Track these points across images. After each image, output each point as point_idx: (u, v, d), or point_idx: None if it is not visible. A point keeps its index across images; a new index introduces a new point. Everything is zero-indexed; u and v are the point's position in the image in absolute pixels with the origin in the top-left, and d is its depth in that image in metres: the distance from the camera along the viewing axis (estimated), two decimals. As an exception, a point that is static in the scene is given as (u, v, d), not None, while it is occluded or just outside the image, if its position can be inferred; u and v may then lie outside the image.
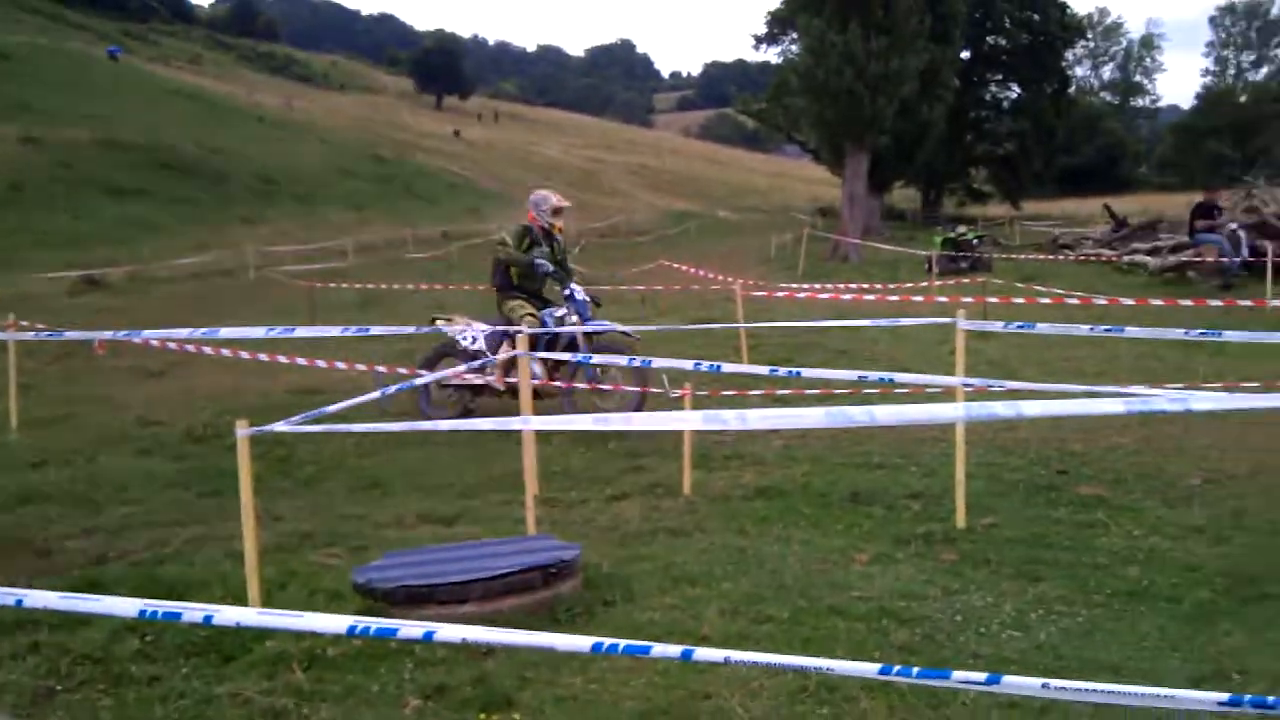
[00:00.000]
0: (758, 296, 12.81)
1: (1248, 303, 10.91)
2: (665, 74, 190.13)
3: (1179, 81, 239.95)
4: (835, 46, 25.70)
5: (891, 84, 26.23)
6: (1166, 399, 2.66)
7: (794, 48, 37.65)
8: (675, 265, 16.92)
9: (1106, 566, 4.96)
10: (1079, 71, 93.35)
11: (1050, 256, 23.44)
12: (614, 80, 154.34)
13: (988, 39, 47.00)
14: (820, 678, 3.66)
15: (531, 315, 8.55)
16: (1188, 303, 9.78)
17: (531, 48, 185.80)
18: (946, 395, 6.18)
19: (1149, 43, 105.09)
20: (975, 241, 23.90)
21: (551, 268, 8.63)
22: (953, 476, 5.68)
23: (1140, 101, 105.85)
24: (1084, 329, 5.51)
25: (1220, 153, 66.72)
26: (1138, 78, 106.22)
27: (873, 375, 5.33)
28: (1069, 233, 28.96)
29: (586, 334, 8.52)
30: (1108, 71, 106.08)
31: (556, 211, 8.77)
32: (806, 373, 5.21)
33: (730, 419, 3.27)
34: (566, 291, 8.61)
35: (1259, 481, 6.23)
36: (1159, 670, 3.83)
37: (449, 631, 2.38)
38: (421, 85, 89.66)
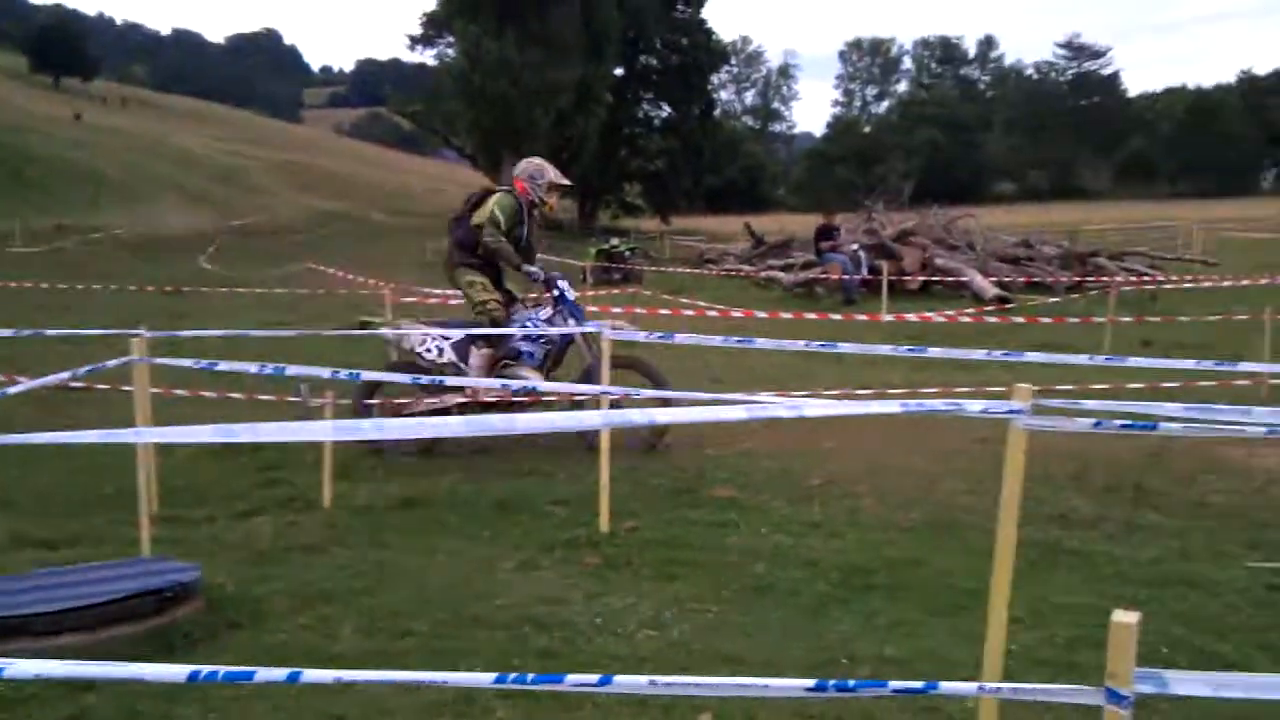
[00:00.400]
0: (412, 302, 12.55)
1: (864, 317, 11.98)
2: (315, 68, 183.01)
3: (813, 110, 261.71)
4: (491, 53, 25.85)
5: (547, 95, 26.73)
6: (784, 405, 2.79)
7: (451, 51, 37.48)
8: (323, 268, 16.31)
9: (736, 564, 5.19)
10: (724, 95, 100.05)
11: (696, 270, 24.69)
12: (259, 71, 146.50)
13: (640, 58, 49.03)
14: (458, 690, 3.58)
15: (497, 302, 7.52)
16: (813, 316, 10.60)
17: (165, 31, 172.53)
18: (592, 402, 6.28)
19: (786, 72, 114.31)
20: (627, 254, 24.78)
21: (543, 276, 7.57)
22: (598, 482, 5.76)
23: (778, 127, 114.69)
24: (718, 340, 5.78)
25: (847, 178, 73.31)
26: (776, 105, 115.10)
27: (515, 384, 5.30)
28: (713, 248, 30.64)
29: (587, 340, 7.40)
30: (750, 97, 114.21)
31: (552, 188, 7.78)
32: (449, 381, 5.13)
33: (367, 428, 3.11)
34: (556, 291, 7.55)
35: (871, 481, 6.72)
36: (779, 659, 4.04)
37: (23, 667, 2.08)
38: (36, 64, 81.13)
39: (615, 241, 26.87)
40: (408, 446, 7.21)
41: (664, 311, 9.97)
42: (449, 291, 10.74)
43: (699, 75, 49.89)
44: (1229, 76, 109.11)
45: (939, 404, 2.80)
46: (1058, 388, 7.96)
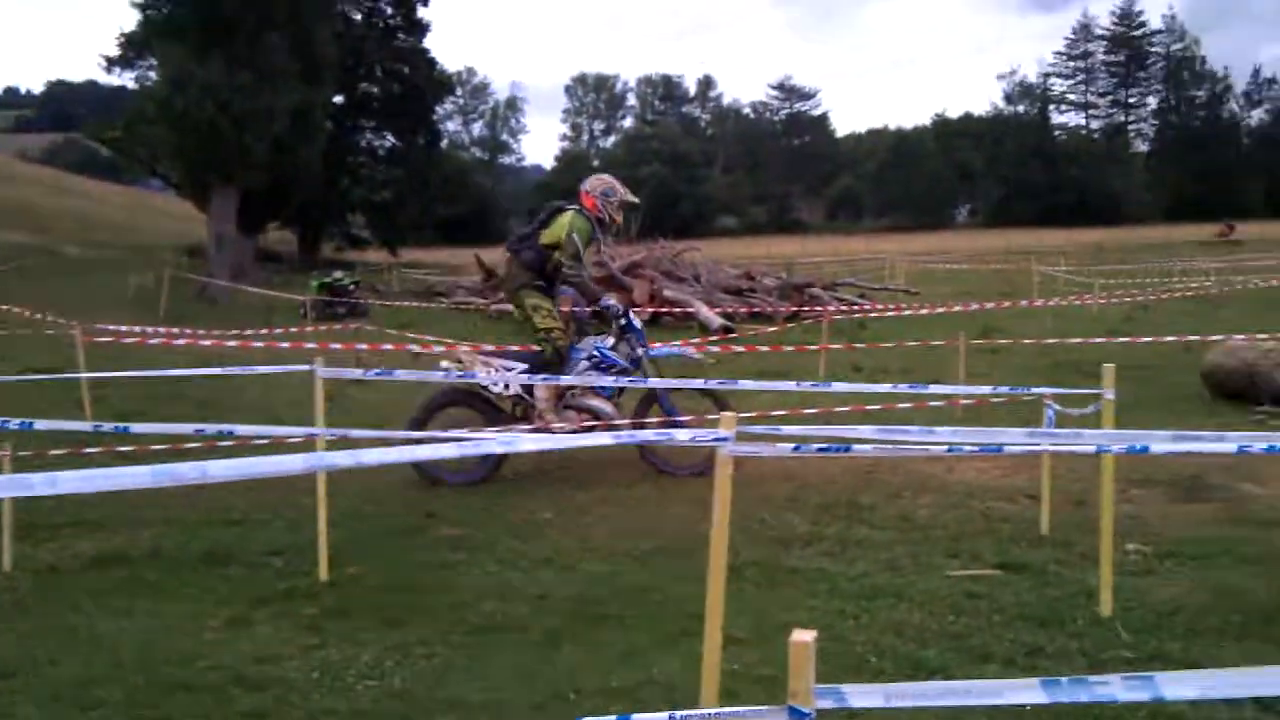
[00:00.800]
0: (105, 343, 11.60)
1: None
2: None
3: (542, 143, 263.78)
4: (196, 77, 24.54)
5: (260, 121, 25.62)
6: (495, 441, 2.72)
7: (153, 74, 35.17)
8: (5, 307, 14.91)
9: (465, 604, 5.05)
10: (451, 126, 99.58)
11: (427, 304, 24.26)
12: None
13: (361, 86, 47.97)
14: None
15: (561, 331, 7.39)
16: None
17: None
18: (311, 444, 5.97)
19: (513, 104, 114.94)
20: (351, 287, 24.08)
21: (621, 309, 7.55)
22: (317, 528, 5.48)
23: (508, 159, 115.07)
24: (439, 374, 5.65)
25: (578, 211, 74.22)
26: (505, 137, 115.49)
27: (210, 428, 4.96)
28: (444, 281, 30.30)
29: (654, 365, 7.54)
30: (478, 128, 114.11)
31: (622, 206, 7.68)
32: (136, 428, 4.74)
33: (38, 483, 2.79)
34: (624, 321, 7.54)
35: (603, 510, 6.75)
36: (505, 699, 3.95)
37: None
38: None
39: (338, 274, 26.02)
40: (469, 474, 7.25)
41: (387, 347, 9.66)
42: (149, 328, 10.02)
43: (422, 105, 49.30)
44: (925, 119, 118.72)
45: (650, 434, 2.81)
46: (774, 413, 8.28)
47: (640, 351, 7.61)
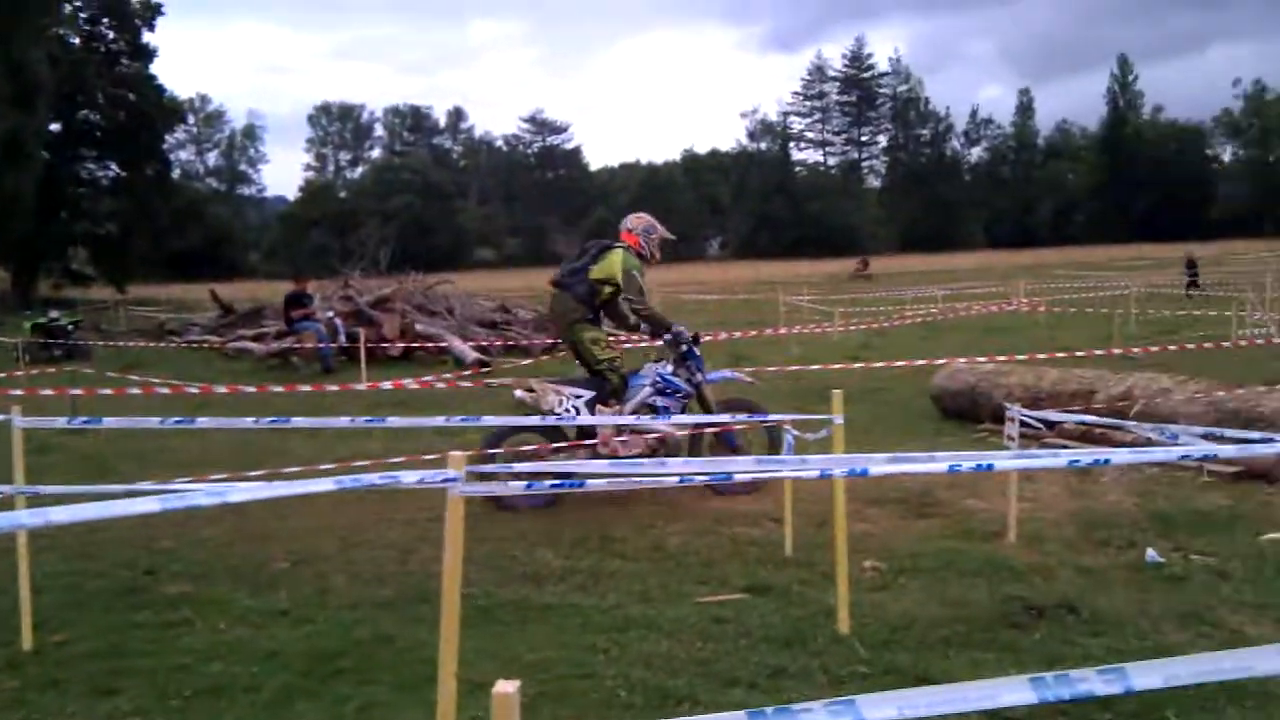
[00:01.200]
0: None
1: (335, 387, 11.62)
2: None
3: (284, 173, 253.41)
4: (-113, 101, 22.33)
5: (-36, 150, 23.57)
6: (204, 493, 2.49)
7: None
8: None
9: (189, 666, 4.69)
10: (184, 156, 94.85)
11: (157, 343, 22.82)
12: None
13: (81, 113, 44.92)
14: None
15: (621, 359, 7.78)
16: (279, 389, 10.08)
17: None
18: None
19: (251, 133, 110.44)
20: (70, 327, 22.40)
21: (688, 335, 7.83)
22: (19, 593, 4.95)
23: (247, 190, 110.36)
24: (154, 421, 5.24)
25: (323, 243, 72.12)
26: (243, 167, 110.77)
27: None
28: (176, 318, 28.68)
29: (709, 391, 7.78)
30: (213, 158, 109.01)
31: (662, 243, 8.05)
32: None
33: None
34: (684, 348, 7.80)
35: (343, 558, 6.45)
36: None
37: None
38: None
39: (55, 314, 24.04)
40: (530, 499, 7.07)
41: (106, 391, 8.95)
42: None
43: (151, 133, 46.53)
44: (675, 154, 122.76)
45: (375, 478, 2.66)
46: (524, 449, 8.17)
47: (699, 377, 7.94)
